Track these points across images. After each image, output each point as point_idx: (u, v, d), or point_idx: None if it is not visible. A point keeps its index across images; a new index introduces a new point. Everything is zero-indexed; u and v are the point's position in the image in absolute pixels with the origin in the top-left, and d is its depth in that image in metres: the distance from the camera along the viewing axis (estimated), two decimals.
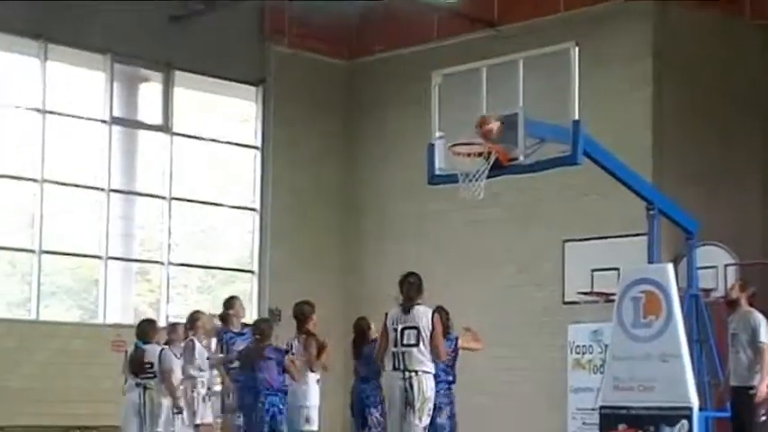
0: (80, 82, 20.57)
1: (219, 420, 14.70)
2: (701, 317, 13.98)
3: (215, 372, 14.62)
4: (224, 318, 14.86)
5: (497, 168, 12.39)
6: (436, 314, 11.57)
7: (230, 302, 14.86)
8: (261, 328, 13.33)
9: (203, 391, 14.49)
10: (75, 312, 20.72)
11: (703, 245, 15.77)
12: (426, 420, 11.33)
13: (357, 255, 22.49)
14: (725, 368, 12.90)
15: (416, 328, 11.27)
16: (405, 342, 11.26)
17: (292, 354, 13.15)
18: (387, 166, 22.16)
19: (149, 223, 21.20)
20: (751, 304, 12.52)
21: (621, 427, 12.73)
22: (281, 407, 13.00)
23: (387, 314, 11.53)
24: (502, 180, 12.95)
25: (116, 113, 20.27)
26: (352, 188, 22.80)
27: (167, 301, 20.66)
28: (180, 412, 14.64)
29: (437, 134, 13.03)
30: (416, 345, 11.24)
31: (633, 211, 14.54)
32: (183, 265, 21.36)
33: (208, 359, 14.58)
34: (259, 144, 22.12)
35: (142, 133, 20.98)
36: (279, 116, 22.08)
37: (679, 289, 12.97)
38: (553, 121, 12.52)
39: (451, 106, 12.94)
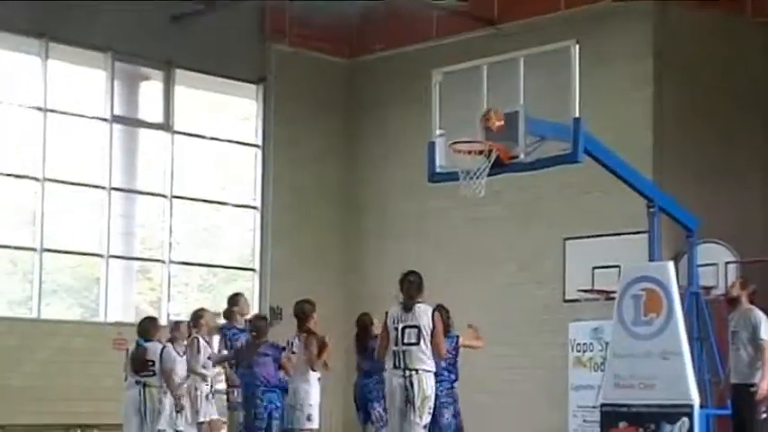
0: (81, 80, 20.59)
1: (224, 419, 14.73)
2: (702, 314, 14.00)
3: (217, 369, 14.65)
4: (228, 314, 14.90)
5: (498, 166, 12.40)
6: (437, 312, 11.59)
7: (235, 299, 14.91)
8: (257, 325, 13.39)
9: (207, 389, 14.52)
10: (76, 311, 20.75)
11: (704, 242, 15.78)
12: (427, 419, 11.34)
13: (358, 253, 22.49)
14: (725, 366, 12.92)
15: (417, 326, 11.28)
16: (405, 341, 11.28)
17: (293, 352, 13.17)
18: (387, 165, 22.17)
19: (150, 221, 21.21)
20: (751, 302, 12.54)
21: (622, 424, 12.74)
22: (278, 404, 13.04)
23: (387, 313, 11.54)
24: (503, 178, 12.95)
25: (117, 112, 20.29)
26: (352, 186, 22.80)
27: (168, 300, 20.68)
28: (181, 410, 14.68)
29: (438, 132, 13.05)
30: (417, 343, 11.25)
31: (634, 209, 14.54)
32: (184, 263, 21.38)
33: (208, 358, 14.61)
34: (260, 142, 22.13)
35: (143, 131, 21.00)
36: (280, 115, 22.09)
37: (680, 287, 12.98)
38: (554, 119, 12.53)
39: (452, 104, 12.96)
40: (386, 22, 22.05)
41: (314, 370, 13.05)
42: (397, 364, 11.30)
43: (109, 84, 20.16)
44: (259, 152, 22.12)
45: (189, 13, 20.39)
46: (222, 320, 15.14)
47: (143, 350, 14.39)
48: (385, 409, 12.67)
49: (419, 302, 11.42)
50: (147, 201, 21.00)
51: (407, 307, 11.36)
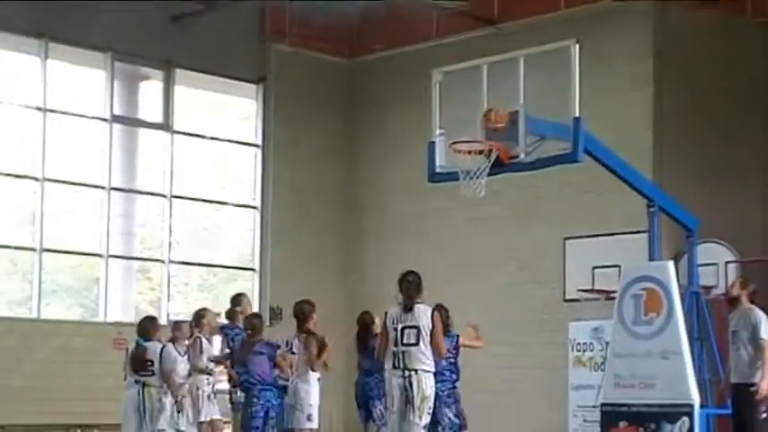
0: (81, 80, 20.59)
1: (225, 419, 14.73)
2: (702, 314, 13.99)
3: (219, 369, 14.65)
4: (230, 314, 14.90)
5: (498, 166, 12.39)
6: (436, 312, 11.58)
7: (237, 299, 14.91)
8: (252, 324, 13.40)
9: (208, 388, 14.52)
10: (76, 311, 20.74)
11: (704, 242, 15.77)
12: (426, 419, 11.34)
13: (358, 253, 22.50)
14: (726, 365, 12.92)
15: (416, 327, 11.28)
16: (405, 341, 11.27)
17: (293, 353, 13.18)
18: (387, 165, 22.17)
19: (150, 221, 21.21)
20: (752, 301, 12.54)
21: (622, 424, 12.73)
22: (274, 402, 13.05)
23: (386, 313, 11.53)
24: (502, 178, 12.94)
25: (117, 112, 20.29)
26: (352, 186, 22.80)
27: (168, 300, 20.68)
28: (181, 410, 14.69)
29: (438, 132, 13.04)
30: (416, 344, 11.24)
31: (634, 209, 14.53)
32: (183, 263, 21.38)
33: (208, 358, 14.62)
34: (260, 142, 22.13)
35: (143, 131, 21.00)
36: (279, 114, 22.09)
37: (680, 286, 12.97)
38: (554, 118, 12.52)
39: (452, 104, 12.95)
40: (386, 21, 22.05)
41: (314, 370, 13.06)
42: (396, 364, 11.30)
43: (109, 83, 20.16)
44: (259, 152, 22.12)
45: (189, 12, 20.39)
46: (224, 320, 15.14)
47: (142, 350, 14.39)
48: (386, 408, 12.67)
49: (418, 303, 11.41)
50: (147, 200, 21.00)
51: (407, 307, 11.36)
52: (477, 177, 12.39)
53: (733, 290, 12.79)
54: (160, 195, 20.83)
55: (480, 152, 12.32)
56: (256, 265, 21.91)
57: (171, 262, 20.84)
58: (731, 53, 19.55)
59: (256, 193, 22.06)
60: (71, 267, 20.74)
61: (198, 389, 14.52)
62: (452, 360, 13.60)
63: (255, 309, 20.36)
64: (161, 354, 14.49)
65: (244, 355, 13.13)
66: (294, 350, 13.20)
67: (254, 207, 22.08)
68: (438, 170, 13.07)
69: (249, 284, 21.79)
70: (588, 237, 18.82)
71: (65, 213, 20.17)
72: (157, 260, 20.95)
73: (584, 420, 17.24)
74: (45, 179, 19.26)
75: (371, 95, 22.63)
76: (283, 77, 22.08)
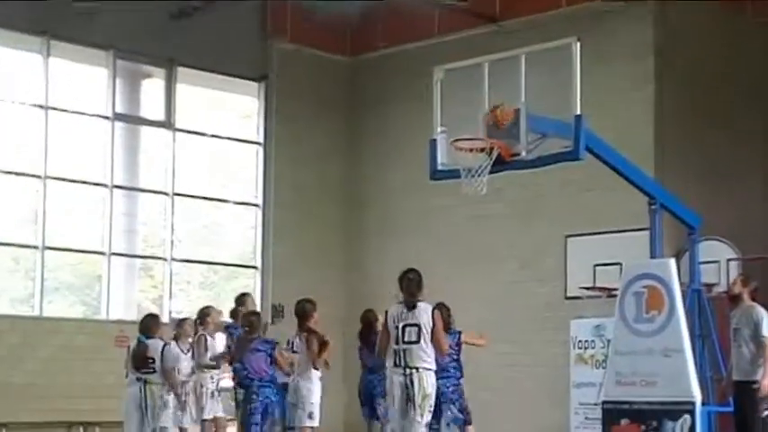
0: (83, 78, 20.59)
1: (229, 416, 14.74)
2: (704, 312, 14.01)
3: (224, 366, 14.66)
4: (235, 314, 14.92)
5: (500, 164, 12.39)
6: (436, 310, 11.58)
7: (242, 299, 14.92)
8: (250, 321, 13.41)
9: (212, 386, 14.54)
10: (78, 308, 20.76)
11: (705, 240, 15.78)
12: (428, 417, 11.34)
13: (360, 251, 22.50)
14: (727, 363, 12.93)
15: (417, 325, 11.27)
16: (406, 339, 11.27)
17: (294, 351, 13.19)
18: (389, 162, 22.17)
19: (152, 219, 21.22)
20: (753, 299, 12.54)
21: (624, 421, 12.74)
22: (273, 398, 13.06)
23: (387, 312, 11.52)
24: (504, 175, 12.95)
25: (119, 110, 20.30)
26: (354, 184, 22.81)
27: (170, 297, 20.69)
28: (183, 408, 14.72)
29: (439, 130, 13.04)
30: (417, 342, 11.24)
31: (635, 206, 14.54)
32: (185, 261, 21.39)
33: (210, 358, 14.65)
34: (261, 140, 22.14)
35: (145, 129, 21.02)
36: (281, 112, 22.10)
37: (681, 284, 12.99)
38: (555, 116, 12.53)
39: (454, 102, 12.96)
40: (387, 19, 22.06)
41: (316, 368, 13.07)
42: (397, 362, 11.30)
43: (110, 81, 20.17)
44: (261, 150, 22.14)
45: (190, 10, 20.38)
46: (228, 319, 15.15)
47: (144, 347, 14.40)
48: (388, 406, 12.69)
49: (419, 300, 11.41)
50: (149, 198, 21.01)
51: (408, 305, 11.36)
52: (479, 175, 12.39)
53: (734, 287, 12.80)
54: (162, 193, 20.84)
55: (482, 150, 12.33)
56: (258, 263, 21.93)
57: (173, 260, 20.85)
58: (732, 52, 19.56)
59: (258, 190, 22.07)
60: (73, 265, 20.76)
61: (202, 386, 14.56)
62: (455, 357, 13.66)
63: (258, 307, 20.48)
64: (162, 351, 14.51)
65: (242, 353, 13.14)
66: (296, 349, 13.22)
67: (255, 205, 22.09)
68: (440, 168, 13.07)
69: (251, 282, 21.81)
70: (590, 234, 18.83)
71: (67, 211, 20.18)
72: (159, 258, 20.96)
73: (586, 418, 17.25)
74: (47, 177, 19.27)
75: (373, 93, 22.64)
76: (285, 75, 22.09)
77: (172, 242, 20.88)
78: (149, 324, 14.80)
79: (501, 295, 19.96)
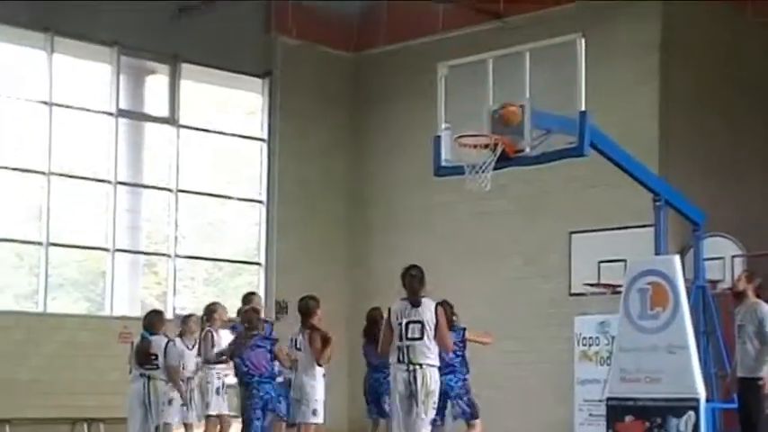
0: (87, 74, 20.60)
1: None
2: (708, 308, 13.99)
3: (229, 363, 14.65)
4: (241, 313, 14.89)
5: (504, 160, 12.38)
6: (440, 307, 11.55)
7: (248, 298, 14.90)
8: (249, 317, 13.40)
9: (218, 382, 14.54)
10: (82, 305, 20.77)
11: (710, 236, 15.77)
12: (432, 414, 11.31)
13: (364, 247, 22.50)
14: (732, 359, 12.89)
15: (421, 321, 11.24)
16: (409, 336, 11.24)
17: (297, 349, 13.18)
18: (393, 159, 22.17)
19: (156, 216, 21.23)
20: (758, 295, 12.49)
21: (628, 418, 12.74)
22: (273, 394, 13.06)
23: (390, 309, 11.48)
24: (508, 172, 12.93)
25: (123, 106, 20.30)
26: (358, 180, 22.81)
27: (174, 294, 20.70)
28: (185, 404, 14.72)
29: (443, 126, 13.03)
30: (421, 338, 11.21)
31: (640, 203, 14.53)
32: (189, 257, 21.40)
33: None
34: (265, 136, 22.13)
35: (149, 126, 21.02)
36: (285, 108, 22.10)
37: (686, 280, 12.98)
38: (559, 112, 12.51)
39: (458, 98, 12.94)
40: (391, 15, 22.04)
41: (319, 365, 13.06)
42: (400, 358, 11.27)
43: (114, 78, 20.17)
44: (265, 146, 22.13)
45: (195, 7, 20.38)
46: (236, 317, 15.14)
47: (147, 343, 14.40)
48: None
49: (423, 297, 11.39)
50: (153, 195, 21.02)
51: (413, 302, 11.34)
52: (483, 171, 12.38)
53: (739, 284, 12.75)
54: (166, 190, 20.85)
55: (486, 146, 12.32)
56: (262, 260, 21.92)
57: (177, 256, 20.86)
58: (737, 46, 19.54)
59: (262, 187, 22.07)
60: (77, 261, 20.77)
61: (208, 382, 14.57)
62: (460, 354, 13.66)
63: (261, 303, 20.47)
64: (166, 348, 14.50)
65: (242, 349, 13.14)
66: (299, 346, 13.21)
67: (259, 201, 22.09)
68: (444, 164, 13.06)
69: (255, 279, 21.82)
70: (594, 231, 18.81)
71: (71, 207, 20.18)
72: (163, 254, 20.97)
73: (590, 414, 17.23)
74: (51, 173, 19.27)
75: (377, 89, 22.63)
76: (289, 72, 22.08)
77: (176, 238, 20.88)
78: (153, 320, 14.78)
79: (505, 292, 19.95)
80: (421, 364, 11.20)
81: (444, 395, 13.48)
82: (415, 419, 11.18)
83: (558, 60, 12.11)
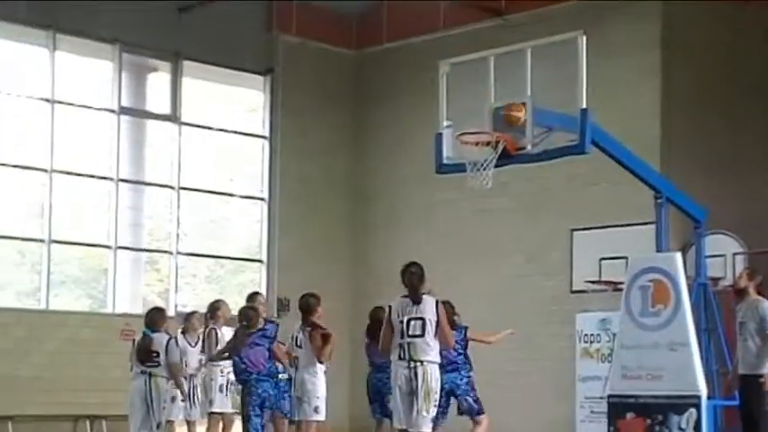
0: (89, 72, 20.62)
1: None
2: (710, 305, 14.00)
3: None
4: (239, 311, 14.89)
5: (505, 157, 12.38)
6: (440, 303, 11.54)
7: (252, 298, 14.88)
8: (247, 315, 13.38)
9: (222, 380, 14.54)
10: (84, 302, 20.79)
11: (711, 233, 15.77)
12: (434, 411, 11.29)
13: (365, 245, 22.50)
14: (733, 357, 12.90)
15: (422, 319, 11.24)
16: (410, 333, 11.23)
17: (298, 346, 13.19)
18: (394, 156, 22.17)
19: (158, 213, 21.25)
20: (759, 293, 12.50)
21: (629, 415, 12.73)
22: (271, 392, 13.05)
23: (390, 306, 11.48)
24: (510, 169, 12.94)
25: (124, 103, 20.31)
26: (360, 178, 22.81)
27: (176, 291, 20.72)
28: (184, 400, 14.73)
29: (445, 123, 13.03)
30: (422, 335, 11.21)
31: (641, 200, 14.53)
32: (191, 254, 21.41)
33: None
34: (267, 134, 22.14)
35: (150, 123, 21.03)
36: (287, 106, 22.11)
37: (687, 278, 12.96)
38: (561, 110, 12.51)
39: (459, 95, 12.94)
40: (393, 12, 22.05)
41: (320, 362, 13.07)
42: (402, 355, 11.27)
43: (116, 75, 20.18)
44: (266, 143, 22.14)
45: (196, 4, 20.39)
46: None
47: (149, 340, 14.38)
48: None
49: (423, 294, 11.39)
50: (155, 192, 21.03)
51: (412, 299, 11.34)
52: (485, 169, 12.38)
53: (740, 281, 12.75)
54: (168, 187, 20.86)
55: (487, 143, 12.32)
56: (264, 257, 21.94)
57: (179, 253, 20.87)
58: (739, 44, 19.52)
59: (264, 184, 22.08)
60: (79, 259, 20.79)
61: (212, 380, 14.57)
62: (461, 351, 13.67)
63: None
64: (167, 345, 14.49)
65: (240, 347, 13.14)
66: (299, 343, 13.21)
67: (261, 198, 22.10)
68: (445, 161, 13.06)
69: (257, 276, 21.83)
70: (595, 228, 18.82)
71: (73, 205, 20.20)
72: (165, 251, 20.99)
73: (592, 412, 17.24)
74: (53, 171, 19.29)
75: (379, 87, 22.63)
76: (290, 69, 22.09)
77: (178, 236, 20.90)
78: (155, 318, 14.76)
79: (506, 289, 19.96)
80: (422, 361, 11.20)
81: (450, 393, 13.55)
82: (416, 417, 11.18)
83: (560, 58, 12.12)
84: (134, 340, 14.78)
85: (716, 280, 16.31)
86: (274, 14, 21.95)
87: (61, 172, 19.43)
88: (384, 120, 22.41)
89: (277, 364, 13.30)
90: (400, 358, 11.29)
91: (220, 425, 14.83)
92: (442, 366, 11.56)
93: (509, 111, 12.27)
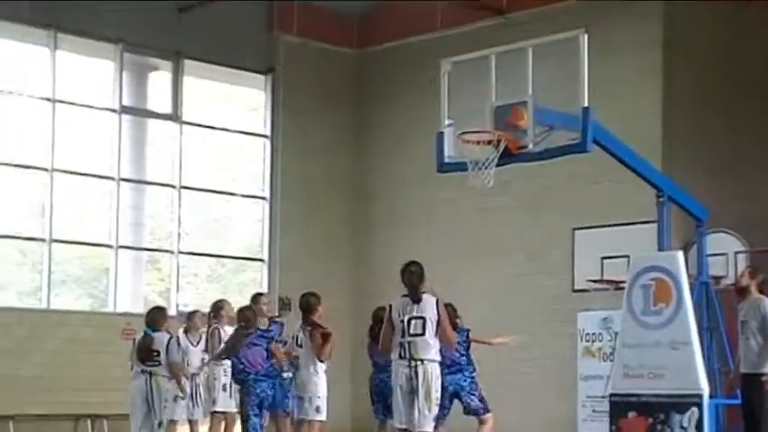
0: (90, 71, 20.61)
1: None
2: (711, 304, 14.00)
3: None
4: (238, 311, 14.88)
5: (507, 156, 12.39)
6: (440, 301, 11.52)
7: (255, 298, 14.89)
8: (245, 315, 13.39)
9: (225, 379, 14.53)
10: (85, 301, 20.78)
11: (713, 232, 15.77)
12: (435, 410, 11.28)
13: (366, 244, 22.50)
14: (735, 355, 12.90)
15: (423, 318, 11.23)
16: (411, 332, 11.22)
17: (299, 345, 13.18)
18: (396, 155, 22.16)
19: (159, 212, 21.24)
20: (761, 291, 12.50)
21: (631, 414, 12.73)
22: (269, 392, 13.05)
23: (390, 305, 11.46)
24: (511, 168, 12.94)
25: (126, 102, 20.30)
26: (361, 177, 22.81)
27: (177, 290, 20.71)
28: (183, 398, 14.73)
29: (446, 122, 13.04)
30: (422, 334, 11.20)
31: (643, 199, 14.53)
32: (192, 253, 21.40)
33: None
34: (268, 133, 22.13)
35: (152, 122, 21.02)
36: (288, 105, 22.10)
37: (689, 276, 12.97)
38: (562, 108, 12.51)
39: (461, 94, 12.94)
40: (394, 11, 22.04)
41: (321, 361, 13.06)
42: (402, 354, 11.26)
43: (118, 74, 20.18)
44: (267, 143, 22.13)
45: (197, 3, 20.38)
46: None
47: (149, 340, 14.38)
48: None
49: (423, 293, 11.37)
50: (156, 191, 21.02)
51: (413, 298, 11.33)
52: (486, 168, 12.39)
53: (742, 280, 12.76)
54: (169, 186, 20.86)
55: (489, 142, 12.33)
56: (265, 256, 21.93)
57: (180, 253, 20.87)
58: (740, 44, 19.51)
59: (265, 183, 22.07)
60: (80, 258, 20.78)
61: (215, 379, 14.57)
62: (463, 352, 13.67)
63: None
64: (168, 344, 14.49)
65: (238, 347, 13.13)
66: (300, 343, 13.20)
67: (262, 198, 22.09)
68: (447, 160, 13.07)
69: (258, 275, 21.83)
70: (597, 227, 18.81)
71: (74, 204, 20.20)
72: (166, 251, 20.98)
73: (594, 410, 17.23)
74: (54, 170, 19.28)
75: (380, 86, 22.62)
76: (292, 68, 22.08)
77: (179, 235, 20.89)
78: (156, 317, 14.76)
79: (508, 288, 19.95)
80: (422, 360, 11.19)
81: (455, 395, 13.56)
82: (418, 415, 11.17)
83: (562, 56, 12.12)
84: (135, 339, 14.78)
85: (718, 279, 16.30)
86: (275, 14, 21.94)
87: (62, 171, 19.43)
88: (385, 119, 22.41)
89: (281, 363, 13.30)
90: (401, 357, 11.28)
91: (222, 424, 14.82)
92: (443, 365, 11.55)
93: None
